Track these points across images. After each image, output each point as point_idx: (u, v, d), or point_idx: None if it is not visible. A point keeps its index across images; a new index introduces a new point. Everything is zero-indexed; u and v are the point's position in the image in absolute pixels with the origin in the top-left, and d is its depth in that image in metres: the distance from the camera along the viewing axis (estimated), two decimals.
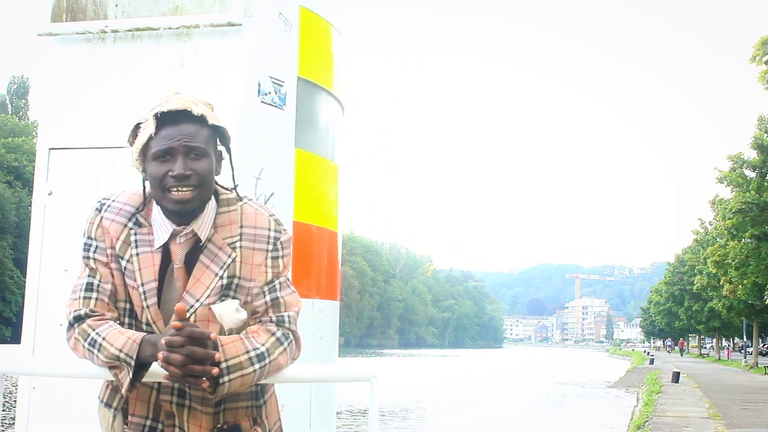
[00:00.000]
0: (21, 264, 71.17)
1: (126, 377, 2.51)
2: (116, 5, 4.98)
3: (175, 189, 2.56)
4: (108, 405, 2.82)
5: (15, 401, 4.85)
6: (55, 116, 4.99)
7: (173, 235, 2.67)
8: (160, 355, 2.41)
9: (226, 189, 2.79)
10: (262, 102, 4.73)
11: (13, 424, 4.88)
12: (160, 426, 2.72)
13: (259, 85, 4.73)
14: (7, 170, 77.15)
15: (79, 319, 2.65)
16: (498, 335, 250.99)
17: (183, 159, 2.56)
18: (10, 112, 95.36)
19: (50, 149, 4.95)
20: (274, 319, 2.68)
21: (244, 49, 4.71)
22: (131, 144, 2.70)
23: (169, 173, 2.56)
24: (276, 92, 4.80)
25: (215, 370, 2.44)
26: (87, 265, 2.72)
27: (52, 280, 4.83)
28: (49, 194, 4.90)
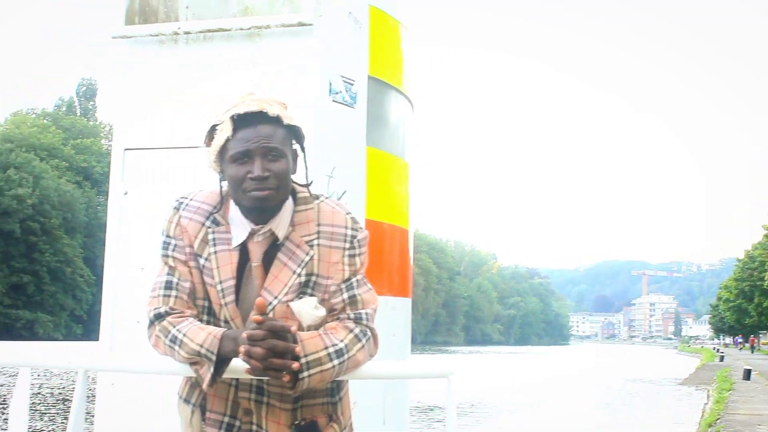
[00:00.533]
0: (91, 262, 72.34)
1: (207, 373, 2.54)
2: (187, 7, 5.02)
3: (254, 190, 2.59)
4: (186, 401, 2.85)
5: (94, 396, 4.92)
6: (129, 117, 5.06)
7: (251, 234, 2.70)
8: (242, 348, 2.43)
9: (303, 187, 2.81)
10: (333, 101, 4.75)
11: (91, 419, 4.95)
12: (237, 423, 2.74)
13: (330, 84, 4.75)
14: (77, 171, 78.35)
15: (159, 316, 2.69)
16: (564, 332, 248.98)
17: (261, 160, 2.59)
18: (78, 114, 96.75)
19: (125, 150, 5.02)
20: (351, 316, 2.69)
21: (315, 49, 4.73)
22: (207, 145, 2.74)
23: (248, 175, 2.59)
24: (347, 91, 4.82)
25: (296, 365, 2.46)
26: (166, 263, 2.76)
27: (129, 279, 4.89)
28: (125, 194, 4.97)
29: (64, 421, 18.33)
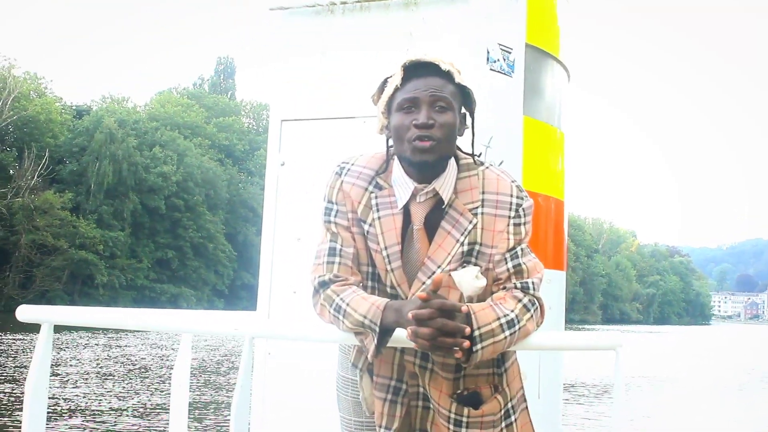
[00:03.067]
0: (232, 238, 74.08)
1: (371, 343, 2.54)
2: None
3: (417, 139, 2.57)
4: (354, 365, 2.87)
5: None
6: (286, 89, 5.09)
7: (414, 195, 2.67)
8: (409, 330, 2.41)
9: (466, 154, 2.77)
10: (491, 69, 4.69)
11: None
12: (404, 386, 2.74)
13: (488, 52, 4.68)
14: (219, 149, 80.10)
15: (324, 284, 2.70)
16: (705, 312, 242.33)
17: (428, 109, 2.58)
18: (218, 92, 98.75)
19: (282, 121, 5.05)
20: (518, 285, 2.65)
21: (473, 17, 4.67)
22: (375, 101, 2.74)
23: (413, 122, 2.58)
24: (505, 59, 4.74)
25: (466, 343, 2.44)
26: (328, 229, 2.76)
27: (286, 249, 4.93)
28: (282, 165, 5.01)
29: (204, 389, 18.80)
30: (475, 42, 4.66)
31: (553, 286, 5.10)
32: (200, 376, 21.71)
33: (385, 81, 2.71)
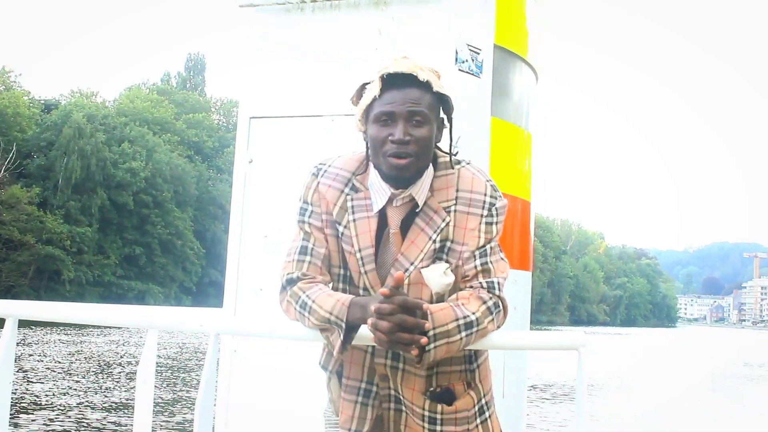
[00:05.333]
0: (200, 236, 73.78)
1: (337, 340, 2.54)
2: None
3: (392, 155, 2.56)
4: (324, 367, 2.87)
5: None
6: (256, 86, 5.08)
7: (390, 199, 2.68)
8: (369, 321, 2.42)
9: (445, 152, 2.77)
10: (459, 70, 4.70)
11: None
12: (374, 389, 2.74)
13: (457, 53, 4.69)
14: (188, 145, 79.71)
15: (291, 282, 2.70)
16: (671, 314, 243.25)
17: (404, 124, 2.56)
18: (188, 89, 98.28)
19: (251, 118, 5.05)
20: (484, 285, 2.64)
21: (442, 17, 4.68)
22: (354, 103, 2.73)
23: (390, 137, 2.57)
24: (473, 60, 4.76)
25: (424, 340, 2.43)
26: (302, 228, 2.76)
27: (253, 246, 4.93)
28: (250, 162, 5.01)
29: (177, 385, 18.73)
30: (443, 42, 4.66)
31: (518, 287, 5.12)
32: (172, 372, 21.65)
33: (363, 87, 2.68)
